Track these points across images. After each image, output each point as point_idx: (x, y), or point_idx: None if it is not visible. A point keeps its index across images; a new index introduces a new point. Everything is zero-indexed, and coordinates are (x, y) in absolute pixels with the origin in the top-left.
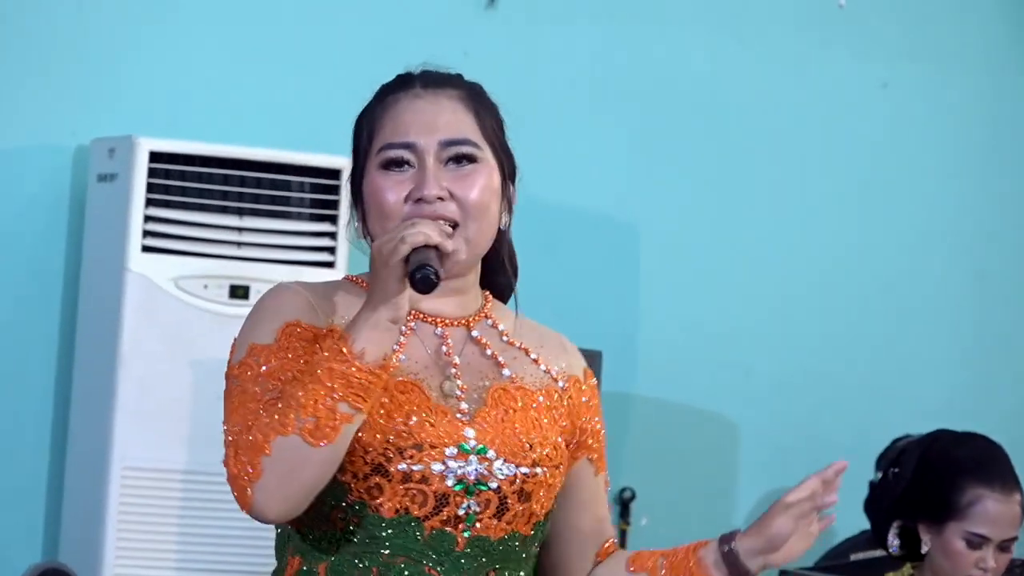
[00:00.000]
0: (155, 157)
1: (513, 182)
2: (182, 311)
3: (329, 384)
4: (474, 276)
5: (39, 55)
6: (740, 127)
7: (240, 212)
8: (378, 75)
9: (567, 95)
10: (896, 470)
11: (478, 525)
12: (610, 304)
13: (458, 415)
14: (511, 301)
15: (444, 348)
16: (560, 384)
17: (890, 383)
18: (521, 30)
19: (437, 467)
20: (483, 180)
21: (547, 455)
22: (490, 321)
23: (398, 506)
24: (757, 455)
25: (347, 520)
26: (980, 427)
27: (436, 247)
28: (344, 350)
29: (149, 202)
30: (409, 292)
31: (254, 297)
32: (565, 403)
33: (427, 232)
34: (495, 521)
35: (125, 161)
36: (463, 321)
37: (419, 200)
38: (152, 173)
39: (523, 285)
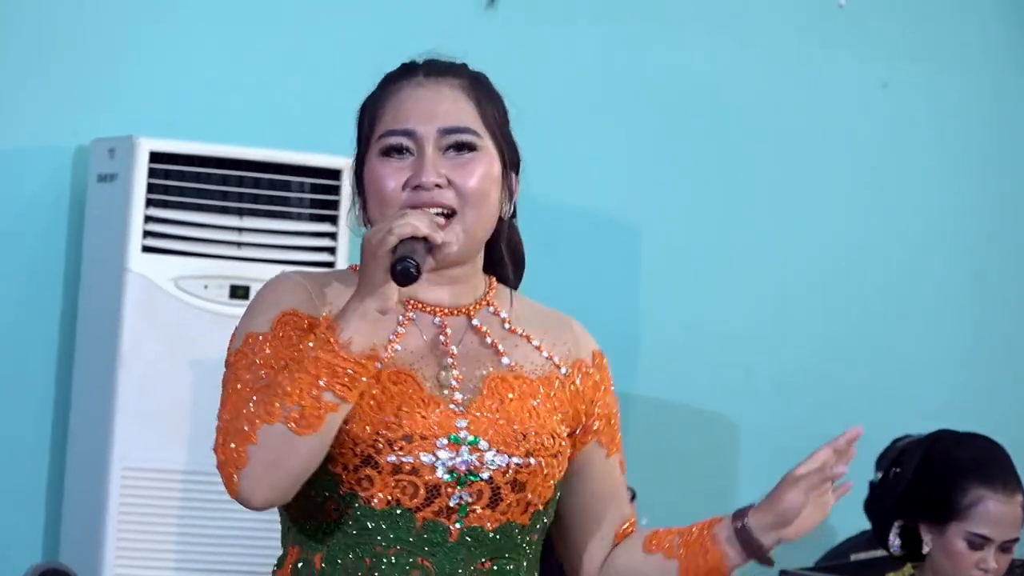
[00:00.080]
0: (155, 157)
1: (516, 172)
2: (182, 311)
3: (315, 373)
4: (474, 265)
5: (39, 55)
6: (740, 127)
7: (240, 212)
8: (378, 75)
9: (567, 95)
10: (897, 470)
11: (471, 516)
12: (610, 304)
13: (451, 405)
14: (521, 282)
15: (442, 338)
16: (562, 370)
17: (890, 383)
18: (521, 30)
19: (427, 458)
20: (482, 168)
21: (543, 444)
22: (492, 308)
23: (389, 498)
24: (757, 455)
25: (340, 511)
26: (980, 427)
27: (425, 238)
28: (331, 340)
29: (149, 202)
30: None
31: None
32: (567, 390)
33: (415, 223)
34: (489, 512)
35: (125, 161)
36: (463, 310)
37: (417, 187)
38: (152, 173)
39: (524, 285)
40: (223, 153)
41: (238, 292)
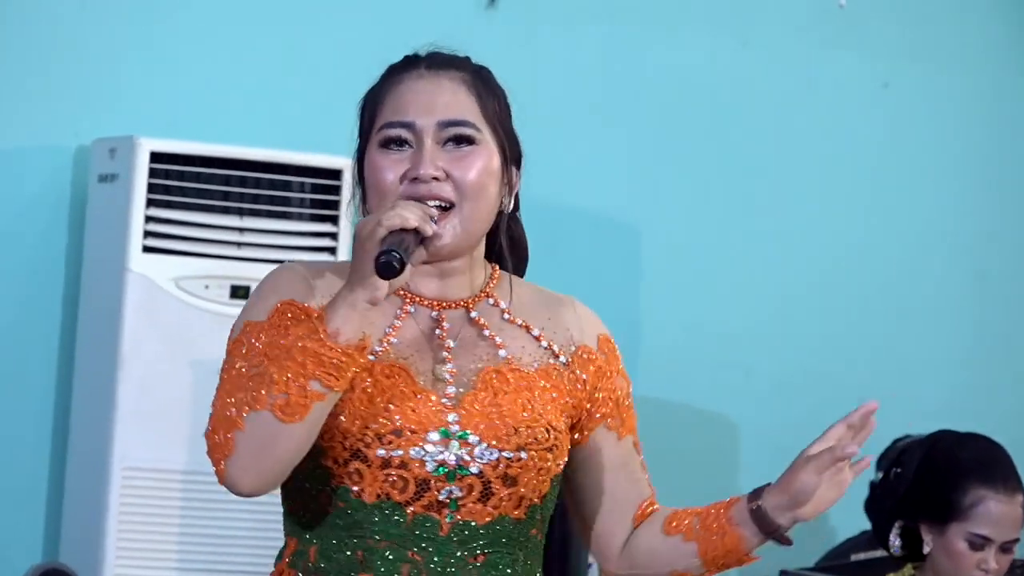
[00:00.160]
0: (156, 157)
1: (518, 166)
2: (183, 311)
3: (301, 361)
4: (473, 257)
5: (39, 55)
6: (740, 127)
7: (240, 212)
8: (378, 75)
9: (567, 95)
10: (898, 470)
11: (462, 510)
12: (610, 304)
13: (443, 400)
14: (524, 275)
15: (438, 331)
16: (561, 359)
17: (890, 383)
18: (521, 30)
19: (416, 452)
20: (481, 162)
21: (536, 438)
22: (491, 300)
23: (379, 491)
24: (757, 455)
25: (333, 504)
26: (980, 427)
27: (416, 230)
28: (319, 329)
29: (150, 202)
30: (406, 272)
31: None
32: (566, 379)
33: (404, 215)
34: (480, 506)
35: (126, 161)
36: (462, 302)
37: (415, 179)
38: (153, 173)
39: None
40: (223, 153)
41: (239, 292)
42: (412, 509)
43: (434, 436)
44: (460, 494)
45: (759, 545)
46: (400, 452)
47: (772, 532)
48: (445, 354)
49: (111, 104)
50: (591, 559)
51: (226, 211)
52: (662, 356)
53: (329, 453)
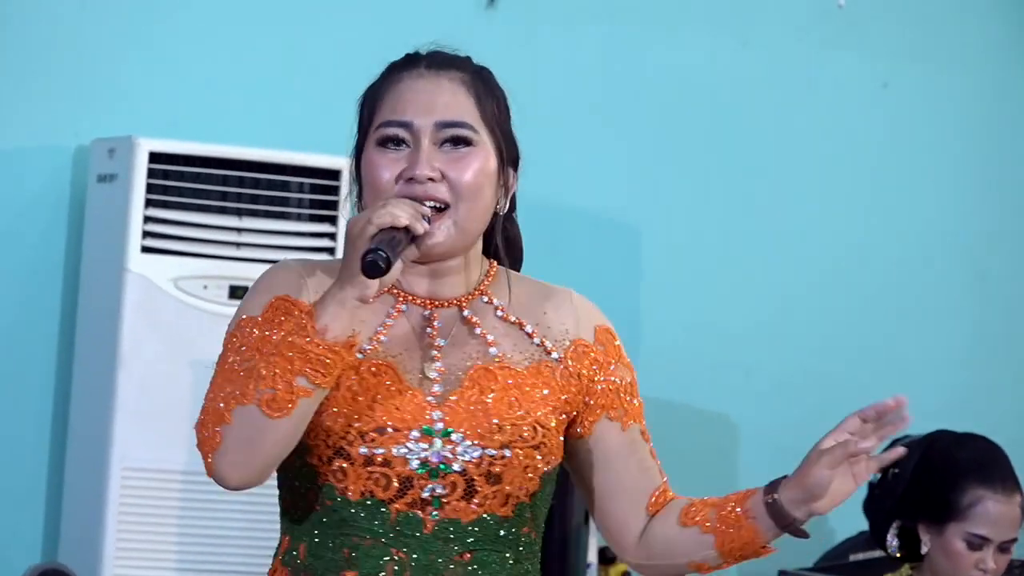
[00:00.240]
0: (155, 158)
1: (515, 168)
2: (182, 311)
3: (289, 358)
4: (467, 257)
5: (40, 55)
6: (740, 127)
7: (239, 212)
8: (377, 75)
9: (567, 95)
10: (896, 471)
11: (446, 508)
12: (610, 304)
13: (429, 397)
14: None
15: (429, 330)
16: (553, 356)
17: (890, 383)
18: (521, 30)
19: (399, 450)
20: (477, 164)
21: (521, 436)
22: (486, 298)
23: (363, 489)
24: (757, 455)
25: (320, 502)
26: (980, 428)
27: (406, 228)
28: (307, 326)
29: (149, 202)
30: (396, 270)
31: None
32: (558, 376)
33: (395, 213)
34: (463, 504)
35: (125, 161)
36: (455, 301)
37: (411, 179)
38: (152, 174)
39: None
40: (222, 153)
41: (237, 292)
42: (395, 506)
43: (416, 434)
44: (443, 492)
45: (775, 538)
46: (382, 450)
47: (787, 525)
48: (434, 352)
49: (110, 104)
50: (591, 559)
51: (225, 211)
52: (662, 356)
53: (314, 451)
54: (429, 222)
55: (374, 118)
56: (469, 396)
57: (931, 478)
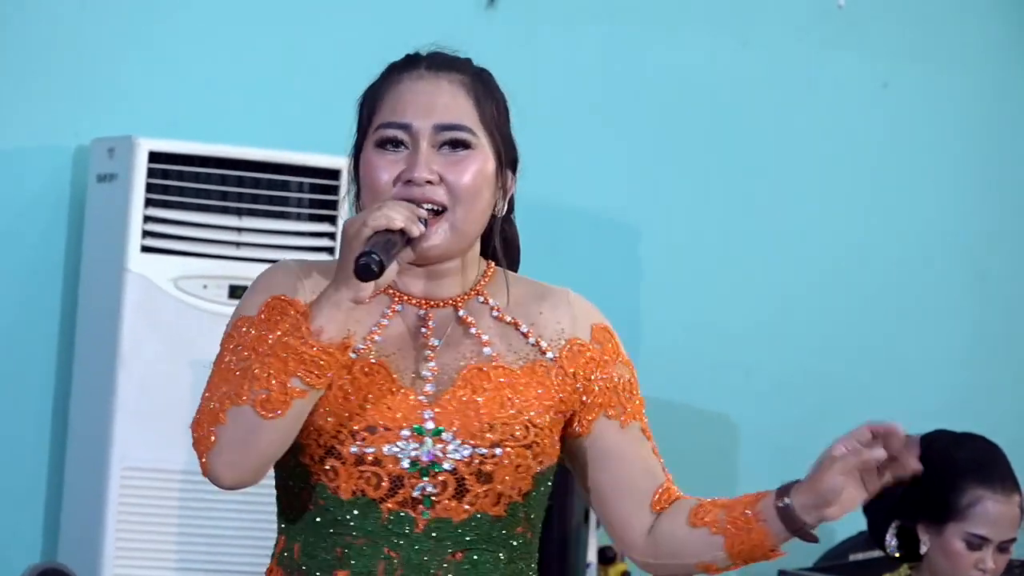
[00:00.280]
0: (155, 157)
1: (513, 171)
2: (182, 311)
3: (283, 359)
4: (465, 259)
5: (39, 55)
6: (740, 127)
7: (239, 212)
8: (377, 75)
9: (567, 95)
10: None
11: (437, 507)
12: (610, 304)
13: (421, 397)
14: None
15: (423, 330)
16: (548, 356)
17: (890, 383)
18: (521, 30)
19: (390, 449)
20: (475, 167)
21: (513, 435)
22: (482, 298)
23: (354, 488)
24: (757, 455)
25: (313, 502)
26: (980, 428)
27: (402, 230)
28: (302, 327)
29: (149, 202)
30: (391, 272)
31: None
32: (553, 375)
33: (391, 215)
34: (454, 503)
35: (125, 161)
36: (451, 301)
37: (408, 182)
38: (152, 173)
39: None
40: (222, 153)
41: (237, 292)
42: (387, 505)
43: (407, 433)
44: (434, 490)
45: (785, 541)
46: (373, 449)
47: (798, 530)
48: (428, 352)
49: (110, 104)
50: (591, 559)
51: (225, 211)
52: (662, 356)
53: (307, 450)
54: (426, 225)
55: (373, 119)
56: (461, 395)
57: (930, 478)
